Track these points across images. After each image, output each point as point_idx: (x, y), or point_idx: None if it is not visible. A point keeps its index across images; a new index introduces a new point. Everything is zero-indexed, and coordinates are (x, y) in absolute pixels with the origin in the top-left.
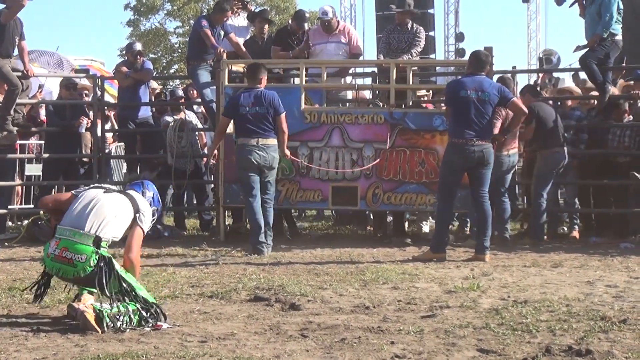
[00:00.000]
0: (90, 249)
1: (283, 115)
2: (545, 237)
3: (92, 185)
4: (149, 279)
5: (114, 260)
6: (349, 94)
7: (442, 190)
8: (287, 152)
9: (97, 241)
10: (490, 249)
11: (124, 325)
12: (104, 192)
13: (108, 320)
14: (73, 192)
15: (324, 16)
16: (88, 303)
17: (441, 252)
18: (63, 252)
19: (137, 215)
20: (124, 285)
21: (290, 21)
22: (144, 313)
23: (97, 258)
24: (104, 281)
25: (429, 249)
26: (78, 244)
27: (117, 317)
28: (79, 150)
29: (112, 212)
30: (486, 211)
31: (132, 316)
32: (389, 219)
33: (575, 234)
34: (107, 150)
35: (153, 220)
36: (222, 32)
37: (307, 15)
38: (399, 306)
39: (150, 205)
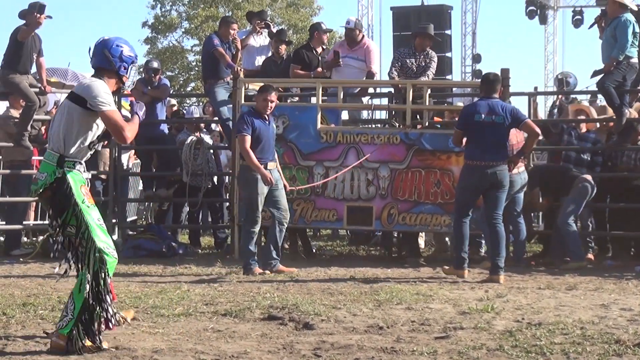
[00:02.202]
0: (52, 167)
1: (237, 137)
2: (568, 258)
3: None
4: (162, 296)
5: (77, 189)
6: (364, 114)
7: (457, 210)
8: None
9: (61, 160)
10: (505, 271)
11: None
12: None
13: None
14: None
15: (346, 25)
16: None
17: (461, 270)
18: (37, 173)
19: (90, 105)
20: (83, 221)
21: (309, 39)
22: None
23: (57, 177)
24: (60, 205)
25: (452, 266)
26: (46, 164)
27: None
28: (96, 168)
29: (65, 125)
30: (499, 233)
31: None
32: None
33: (590, 256)
34: (125, 167)
35: (133, 67)
36: (232, 48)
37: (322, 25)
38: (413, 327)
39: (123, 60)
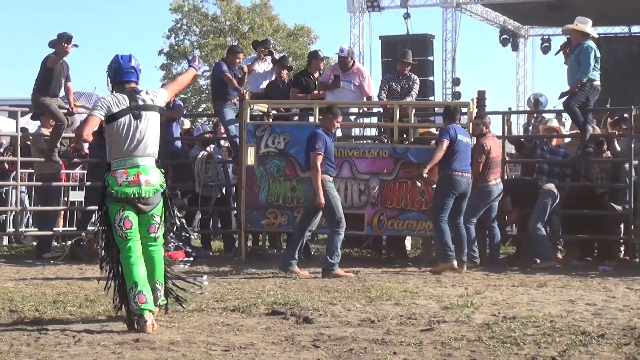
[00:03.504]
0: (159, 171)
1: (311, 154)
2: (538, 260)
3: (118, 110)
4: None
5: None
6: (357, 131)
7: (436, 213)
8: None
9: (159, 164)
10: (482, 270)
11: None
12: (135, 117)
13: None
14: (97, 115)
15: (340, 53)
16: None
17: (448, 262)
18: (138, 176)
19: (164, 101)
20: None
21: (307, 65)
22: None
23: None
24: (167, 202)
25: (440, 262)
26: (149, 167)
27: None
28: None
29: (157, 134)
30: (462, 233)
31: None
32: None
33: (559, 257)
34: None
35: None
36: (237, 73)
37: (320, 53)
38: (401, 320)
39: (138, 70)
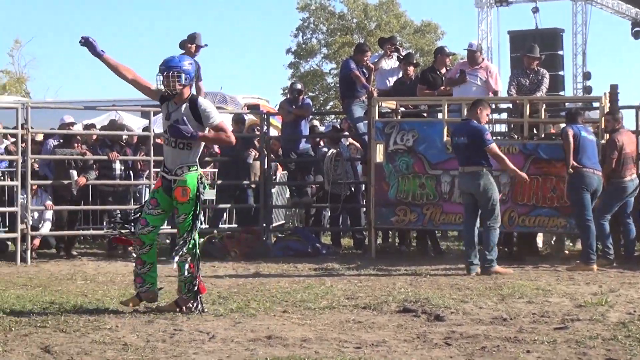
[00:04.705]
0: None
1: (486, 148)
2: None
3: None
4: (309, 291)
5: None
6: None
7: (578, 211)
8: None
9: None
10: (616, 267)
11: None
12: None
13: None
14: None
15: (469, 47)
16: None
17: (590, 264)
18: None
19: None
20: None
21: (433, 62)
22: None
23: None
24: None
25: (581, 262)
26: None
27: None
28: (248, 178)
29: None
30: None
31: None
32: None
33: None
34: (273, 178)
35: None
36: (365, 70)
37: (446, 49)
38: (534, 318)
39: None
